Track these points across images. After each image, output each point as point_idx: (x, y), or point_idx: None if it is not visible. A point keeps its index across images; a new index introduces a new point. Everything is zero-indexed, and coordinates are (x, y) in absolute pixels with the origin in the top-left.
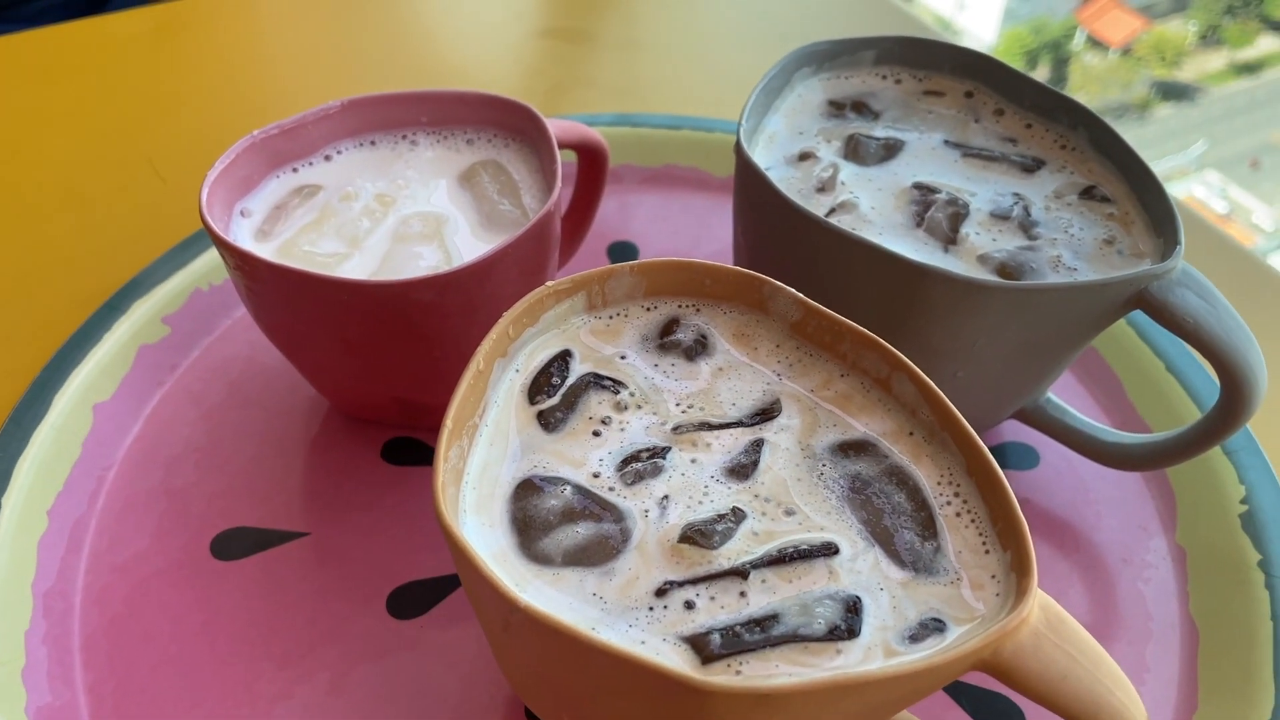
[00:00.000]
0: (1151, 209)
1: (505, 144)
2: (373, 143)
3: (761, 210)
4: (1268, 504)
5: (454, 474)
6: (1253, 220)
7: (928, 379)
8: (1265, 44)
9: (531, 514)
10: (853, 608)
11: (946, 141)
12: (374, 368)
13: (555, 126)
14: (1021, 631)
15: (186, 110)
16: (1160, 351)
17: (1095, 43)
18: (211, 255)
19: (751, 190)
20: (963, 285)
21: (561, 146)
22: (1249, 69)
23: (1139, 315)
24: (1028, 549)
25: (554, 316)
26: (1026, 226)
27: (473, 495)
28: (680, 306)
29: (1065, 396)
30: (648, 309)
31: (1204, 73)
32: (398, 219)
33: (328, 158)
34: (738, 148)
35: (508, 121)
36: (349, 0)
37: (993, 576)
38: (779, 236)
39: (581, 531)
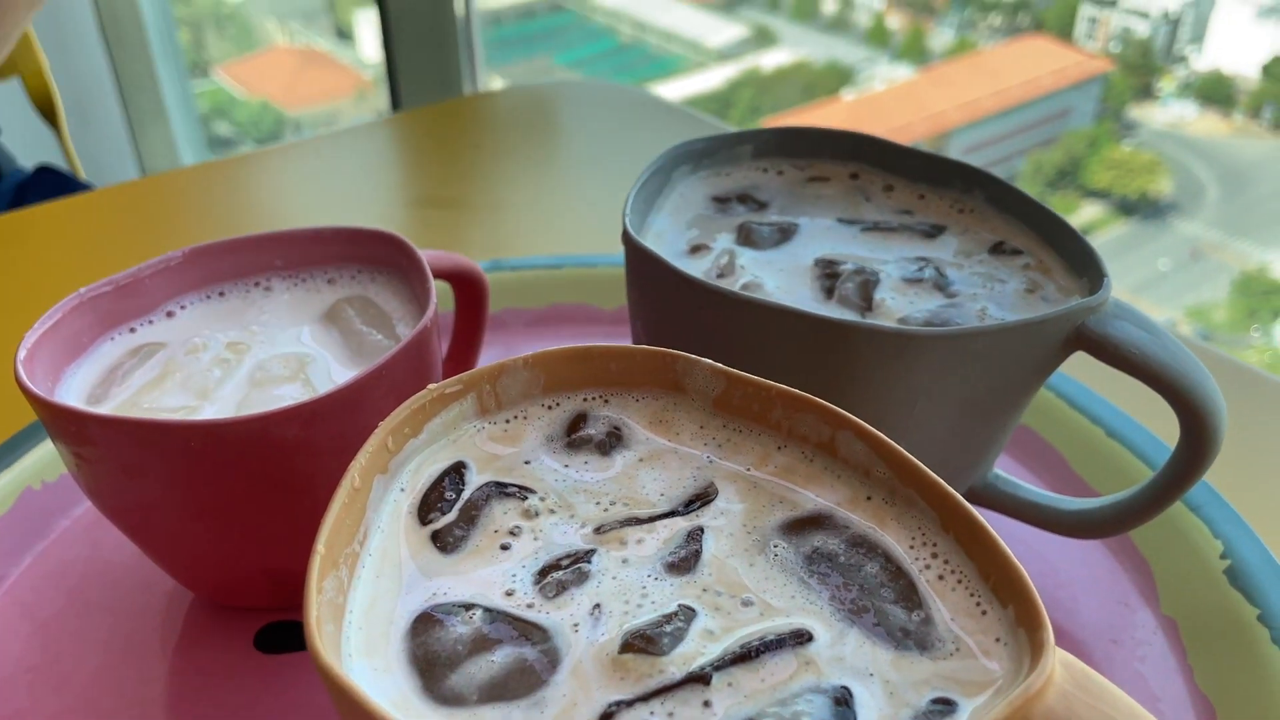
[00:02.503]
0: (1066, 253)
1: (371, 278)
2: (221, 294)
3: (662, 299)
4: (1251, 554)
5: (332, 609)
6: None
7: (878, 432)
8: (1087, 212)
9: (434, 649)
10: (843, 700)
11: (841, 219)
12: (238, 534)
13: (426, 256)
14: (1048, 694)
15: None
16: (1096, 418)
17: None
18: (45, 449)
19: (649, 280)
20: (893, 339)
21: (435, 278)
22: None
23: (1069, 385)
24: (1033, 599)
25: (441, 425)
26: (942, 286)
27: (359, 636)
28: (586, 400)
29: None
30: (549, 407)
31: None
32: (254, 364)
33: (170, 314)
34: (626, 238)
35: (371, 255)
36: (217, 175)
37: (997, 640)
38: (685, 323)
39: (498, 660)
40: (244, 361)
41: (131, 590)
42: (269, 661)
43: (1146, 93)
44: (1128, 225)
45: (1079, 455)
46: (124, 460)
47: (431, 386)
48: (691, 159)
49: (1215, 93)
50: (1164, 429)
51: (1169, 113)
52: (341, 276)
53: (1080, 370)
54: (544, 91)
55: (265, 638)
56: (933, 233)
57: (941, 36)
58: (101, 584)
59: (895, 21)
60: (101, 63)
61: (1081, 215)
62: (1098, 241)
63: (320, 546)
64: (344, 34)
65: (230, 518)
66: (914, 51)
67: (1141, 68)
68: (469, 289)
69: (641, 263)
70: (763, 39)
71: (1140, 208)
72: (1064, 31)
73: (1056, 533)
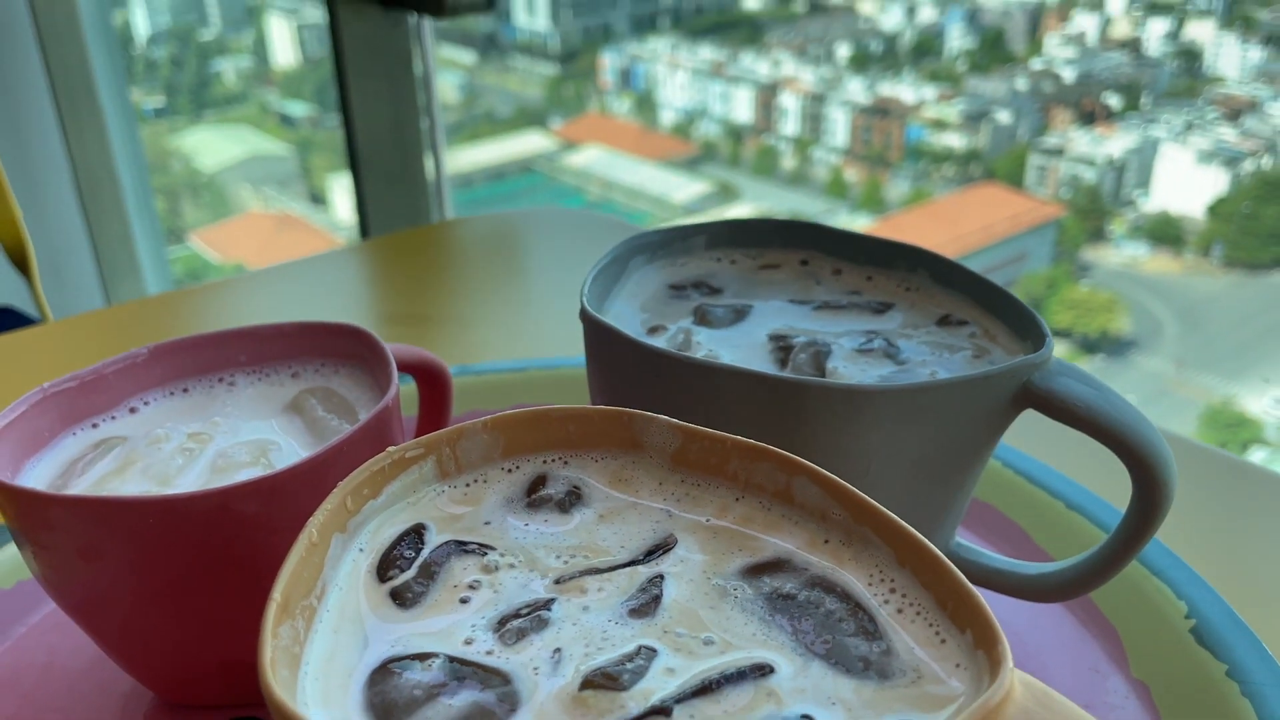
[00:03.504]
0: (1010, 320)
1: (334, 371)
2: (185, 390)
3: (621, 373)
4: (1214, 613)
5: (287, 656)
6: None
7: (832, 475)
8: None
9: (392, 697)
10: None
11: (792, 300)
12: (196, 620)
13: (390, 349)
14: (1007, 709)
15: None
16: (1055, 491)
17: None
18: (1, 555)
19: (607, 356)
20: (844, 395)
21: (399, 370)
22: None
23: (1024, 460)
24: (988, 621)
25: (400, 488)
26: (892, 355)
27: (316, 686)
28: (545, 462)
29: None
30: (508, 470)
31: None
32: (216, 451)
33: (133, 409)
34: (584, 315)
35: (335, 348)
36: (183, 302)
37: (957, 665)
38: (644, 393)
39: (456, 704)
40: (206, 450)
41: (88, 693)
42: None
43: (1099, 235)
44: (1092, 363)
45: (1038, 527)
46: (83, 542)
47: (391, 449)
48: (647, 250)
49: (1165, 233)
50: (1116, 495)
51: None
52: (305, 370)
53: (1031, 433)
54: (508, 217)
55: None
56: (881, 309)
57: (898, 187)
58: (57, 688)
59: (853, 174)
60: (78, 223)
61: None
62: None
63: (276, 595)
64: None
65: (188, 602)
66: (872, 202)
67: (1092, 212)
68: (432, 380)
69: (600, 338)
70: (726, 194)
71: (1103, 345)
72: (1015, 179)
73: (1021, 597)
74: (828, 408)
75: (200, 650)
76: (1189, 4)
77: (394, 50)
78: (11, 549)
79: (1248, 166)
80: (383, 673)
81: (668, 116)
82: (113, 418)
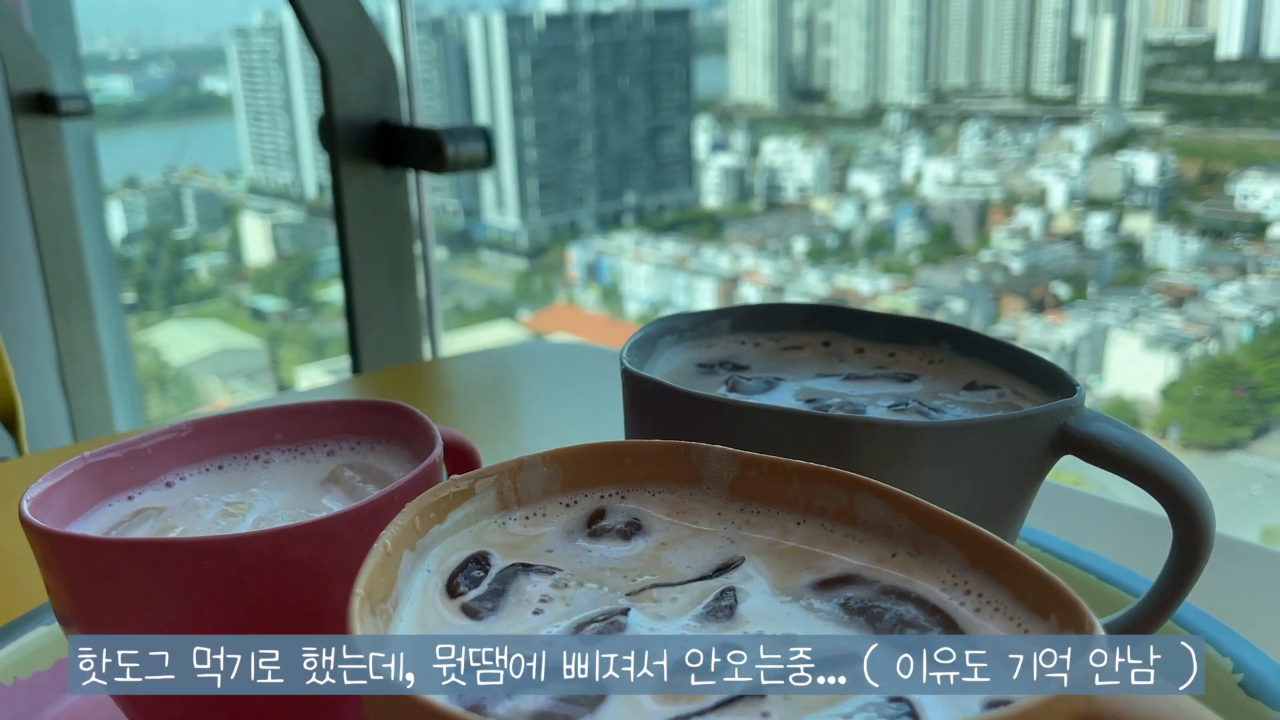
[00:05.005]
0: (1037, 380)
1: (371, 448)
2: (220, 467)
3: (663, 424)
4: (1258, 665)
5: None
6: None
7: (895, 488)
8: None
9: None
10: (909, 712)
11: (819, 374)
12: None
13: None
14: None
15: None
16: (1084, 564)
17: None
18: (21, 643)
19: (649, 409)
20: (892, 431)
21: None
22: None
23: (1053, 542)
24: (1072, 601)
25: (464, 516)
26: (924, 413)
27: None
28: (603, 496)
29: None
30: (567, 505)
31: None
32: (257, 516)
33: (169, 484)
34: (627, 373)
35: (372, 425)
36: None
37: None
38: (688, 440)
39: (539, 698)
40: (247, 516)
41: None
42: None
43: None
44: None
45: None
46: (131, 588)
47: (455, 477)
48: (675, 332)
49: (1122, 416)
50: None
51: None
52: (341, 449)
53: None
54: (498, 353)
55: None
56: (907, 379)
57: None
58: None
59: None
60: (59, 403)
61: None
62: None
63: (359, 589)
64: (285, 389)
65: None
66: None
67: None
68: (464, 460)
69: (643, 393)
70: None
71: None
72: None
73: None
74: (874, 446)
75: (250, 712)
76: (1126, 199)
77: (392, 203)
78: (41, 631)
79: (1195, 351)
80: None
81: (633, 307)
82: (149, 491)
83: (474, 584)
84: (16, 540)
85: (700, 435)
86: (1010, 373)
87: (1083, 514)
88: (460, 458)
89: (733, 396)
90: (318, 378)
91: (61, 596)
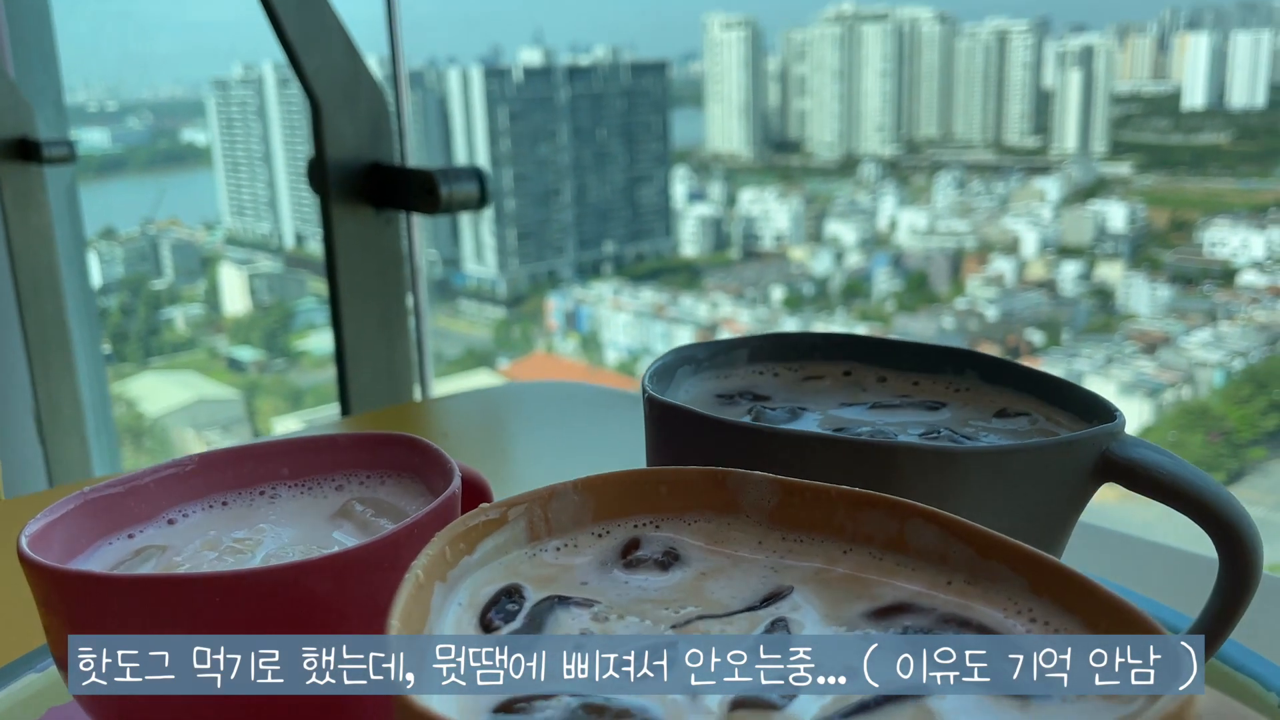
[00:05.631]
0: (1071, 407)
1: (381, 482)
2: (224, 503)
3: (691, 453)
4: None
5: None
6: None
7: (949, 514)
8: None
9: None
10: None
11: (843, 404)
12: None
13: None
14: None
15: None
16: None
17: None
18: (9, 691)
19: (675, 437)
20: (935, 456)
21: None
22: None
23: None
24: (1150, 625)
25: (493, 547)
26: (957, 440)
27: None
28: (637, 526)
29: None
30: (599, 535)
31: None
32: (266, 553)
33: (170, 521)
34: (652, 401)
35: (382, 459)
36: None
37: None
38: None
39: None
40: (256, 553)
41: None
42: None
43: None
44: None
45: None
46: (140, 628)
47: (484, 505)
48: (692, 362)
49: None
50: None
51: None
52: (350, 483)
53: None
54: (486, 393)
55: None
56: (935, 407)
57: None
58: None
59: None
60: (35, 452)
61: None
62: None
63: (395, 620)
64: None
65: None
66: None
67: None
68: (476, 496)
69: (669, 422)
70: None
71: None
72: None
73: None
74: (917, 471)
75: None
76: (1097, 247)
77: (383, 244)
78: (31, 679)
79: (1169, 397)
80: (505, 709)
81: (612, 355)
82: (150, 529)
83: (509, 618)
84: None
85: (732, 464)
86: (1042, 400)
87: (1114, 553)
88: (472, 492)
89: (765, 425)
90: (294, 428)
91: (62, 639)
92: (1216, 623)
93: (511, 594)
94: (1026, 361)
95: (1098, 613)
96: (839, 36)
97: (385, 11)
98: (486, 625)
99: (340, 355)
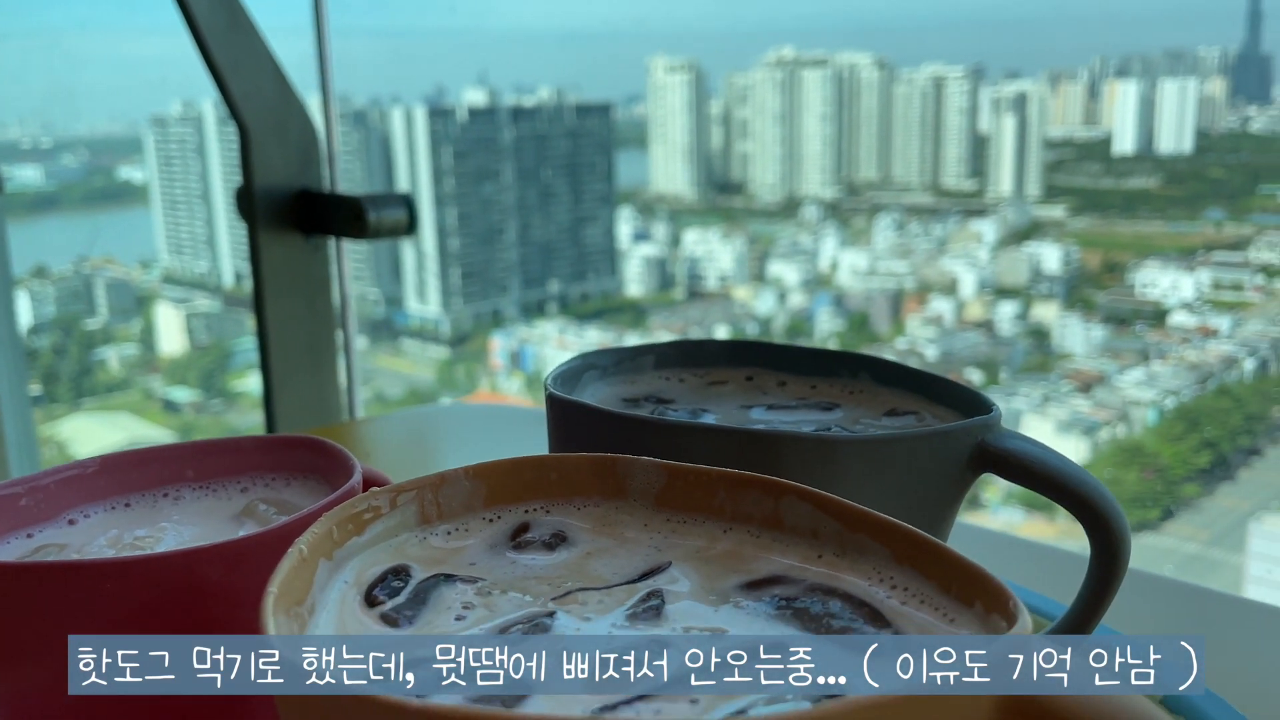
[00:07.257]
0: (955, 405)
1: (286, 483)
2: (127, 504)
3: (589, 444)
4: None
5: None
6: None
7: (819, 490)
8: None
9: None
10: (832, 697)
11: (743, 406)
12: (151, 708)
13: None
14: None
15: None
16: None
17: None
18: None
19: (576, 432)
20: (815, 445)
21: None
22: None
23: None
24: (994, 585)
25: (383, 530)
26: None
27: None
28: (527, 511)
29: None
30: (490, 520)
31: None
32: (168, 548)
33: (71, 521)
34: (553, 398)
35: (287, 461)
36: None
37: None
38: None
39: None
40: (157, 549)
41: None
42: None
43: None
44: None
45: None
46: (33, 618)
47: (375, 489)
48: (599, 368)
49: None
50: None
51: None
52: (255, 485)
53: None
54: (417, 414)
55: None
56: (829, 407)
57: None
58: None
59: None
60: None
61: None
62: None
63: (273, 588)
64: None
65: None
66: None
67: None
68: None
69: (570, 417)
70: None
71: None
72: None
73: None
74: (799, 462)
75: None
76: (1033, 288)
77: (312, 270)
78: None
79: (1104, 435)
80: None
81: None
82: (50, 529)
83: (393, 594)
84: None
85: (628, 454)
86: (929, 399)
87: (992, 551)
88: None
89: (659, 417)
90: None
91: None
92: (1089, 606)
93: (399, 573)
94: None
95: (949, 577)
96: (780, 81)
97: (314, 28)
98: (371, 601)
99: (267, 380)
